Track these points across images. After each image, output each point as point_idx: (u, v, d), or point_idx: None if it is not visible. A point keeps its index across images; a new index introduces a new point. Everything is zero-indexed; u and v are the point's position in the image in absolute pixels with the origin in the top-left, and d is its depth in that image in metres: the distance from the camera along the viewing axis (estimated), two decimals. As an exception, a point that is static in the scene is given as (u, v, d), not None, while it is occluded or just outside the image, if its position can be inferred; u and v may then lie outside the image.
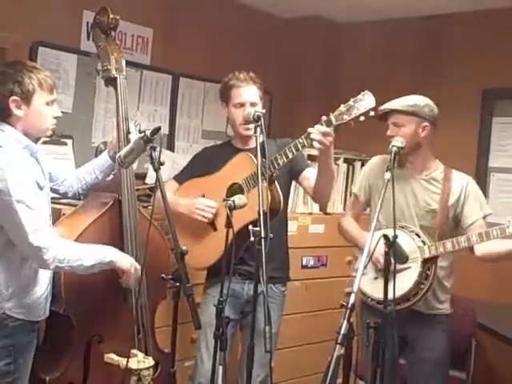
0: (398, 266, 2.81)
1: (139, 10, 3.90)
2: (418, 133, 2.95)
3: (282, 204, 2.89)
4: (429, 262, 2.89)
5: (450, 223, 3.00)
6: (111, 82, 2.90)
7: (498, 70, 4.07)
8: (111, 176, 2.93)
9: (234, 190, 2.94)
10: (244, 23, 4.48)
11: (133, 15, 3.83)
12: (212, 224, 3.04)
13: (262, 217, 2.33)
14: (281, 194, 2.88)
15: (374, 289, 2.91)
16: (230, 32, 4.40)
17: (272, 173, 2.79)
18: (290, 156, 2.77)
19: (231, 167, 3.01)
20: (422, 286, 2.89)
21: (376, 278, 2.94)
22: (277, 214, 2.84)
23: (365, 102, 2.57)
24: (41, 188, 2.47)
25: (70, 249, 2.48)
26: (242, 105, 3.02)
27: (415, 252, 2.90)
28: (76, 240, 2.67)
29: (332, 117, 2.62)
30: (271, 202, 2.74)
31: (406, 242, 2.89)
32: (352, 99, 2.60)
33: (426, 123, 2.95)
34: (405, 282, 2.87)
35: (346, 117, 2.60)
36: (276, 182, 2.85)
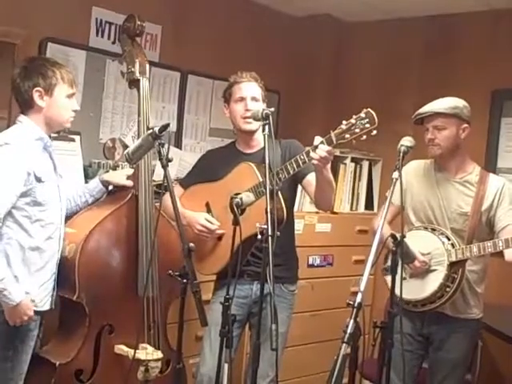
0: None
1: (148, 7, 3.89)
2: (458, 135, 2.94)
3: (285, 212, 2.87)
4: (456, 266, 2.89)
5: (484, 227, 2.97)
6: (135, 83, 3.04)
7: (508, 70, 4.05)
8: (103, 198, 2.95)
9: None
10: (253, 21, 4.47)
11: (142, 12, 3.80)
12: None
13: (269, 215, 2.34)
14: (283, 203, 2.85)
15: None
16: (238, 30, 4.39)
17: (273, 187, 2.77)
18: (292, 172, 2.75)
19: (234, 176, 2.99)
20: (448, 289, 2.88)
21: (404, 279, 2.89)
22: (281, 223, 2.81)
23: (367, 120, 2.50)
24: (38, 180, 2.49)
25: None
26: (242, 98, 2.99)
27: (442, 255, 2.90)
28: (93, 229, 2.72)
29: (333, 135, 2.57)
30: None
31: (434, 245, 2.91)
32: (354, 117, 2.53)
33: (465, 124, 2.94)
34: (430, 284, 2.90)
35: (347, 136, 2.54)
36: (279, 193, 2.82)
